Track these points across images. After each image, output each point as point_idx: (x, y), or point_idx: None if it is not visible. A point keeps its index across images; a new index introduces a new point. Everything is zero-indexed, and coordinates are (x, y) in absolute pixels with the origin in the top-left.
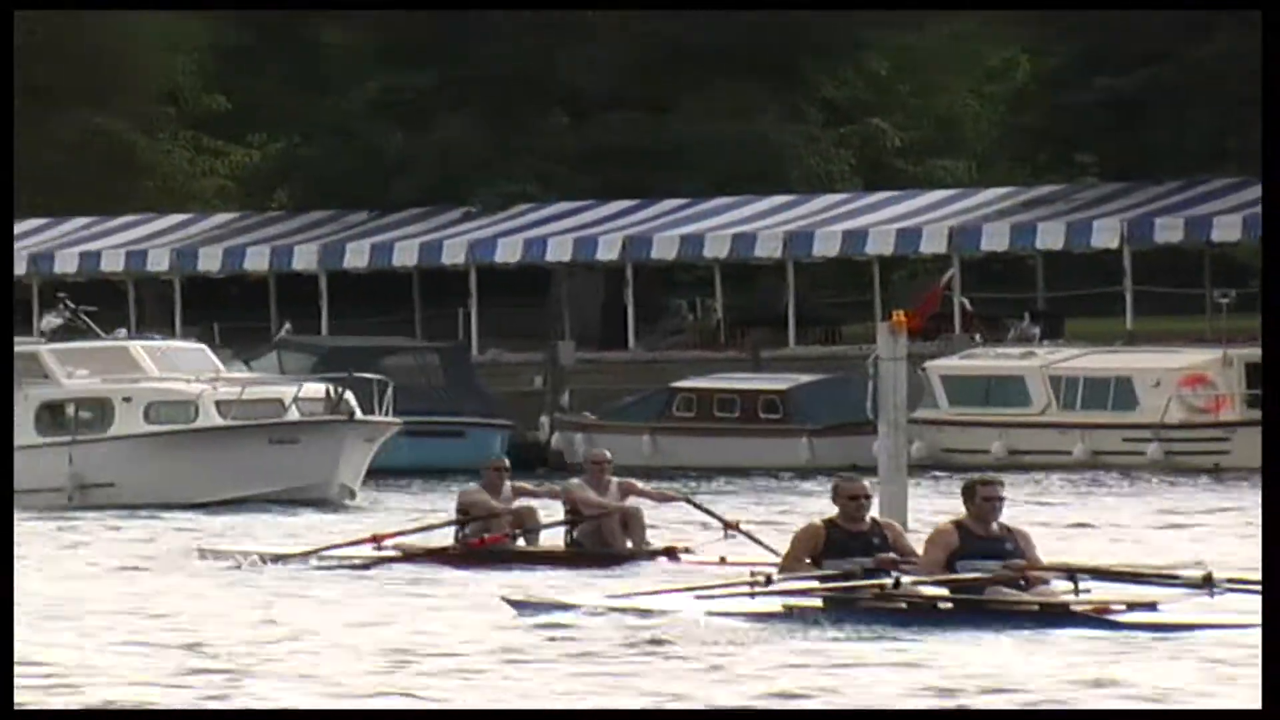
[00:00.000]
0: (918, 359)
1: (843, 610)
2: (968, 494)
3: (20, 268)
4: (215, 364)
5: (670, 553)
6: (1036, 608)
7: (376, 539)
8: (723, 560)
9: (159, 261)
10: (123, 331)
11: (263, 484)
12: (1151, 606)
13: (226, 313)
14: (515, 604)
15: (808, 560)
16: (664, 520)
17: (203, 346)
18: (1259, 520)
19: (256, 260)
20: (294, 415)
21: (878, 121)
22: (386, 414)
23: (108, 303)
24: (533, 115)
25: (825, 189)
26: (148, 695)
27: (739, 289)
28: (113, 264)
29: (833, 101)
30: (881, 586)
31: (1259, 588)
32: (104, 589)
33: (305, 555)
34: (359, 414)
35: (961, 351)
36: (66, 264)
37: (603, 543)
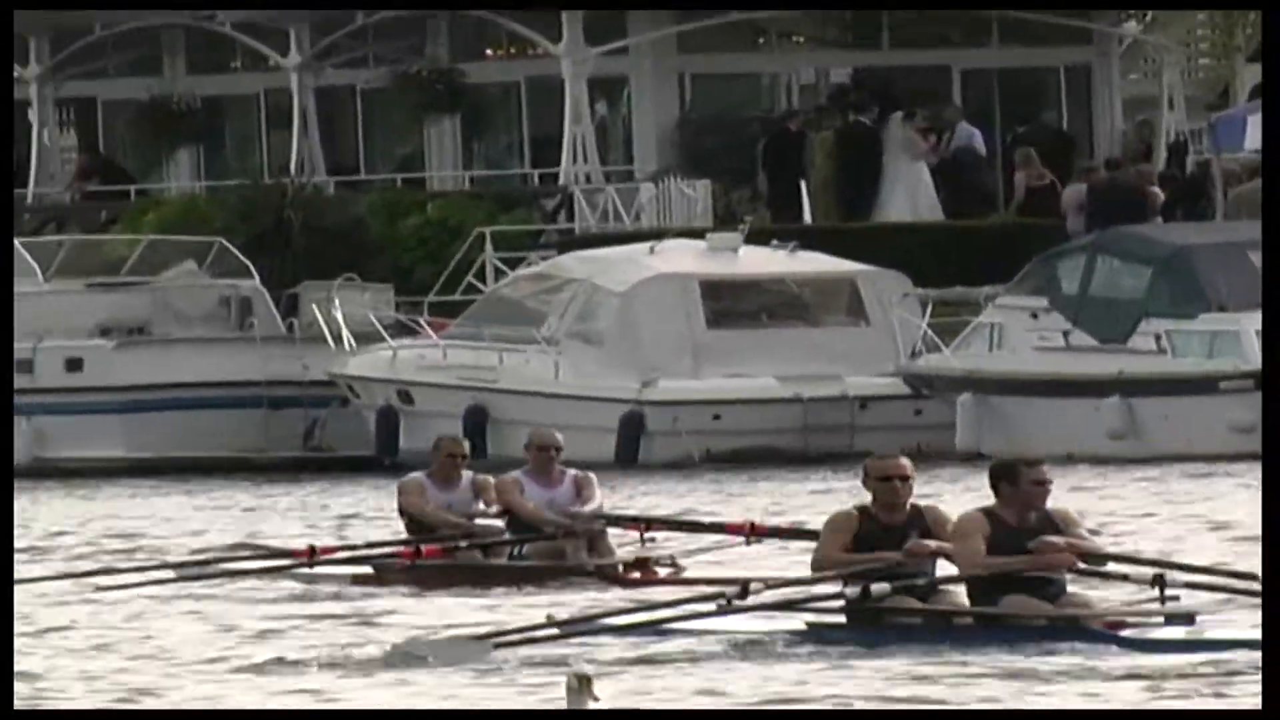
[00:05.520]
0: None
1: (867, 627)
2: (1008, 476)
3: None
4: None
5: (642, 567)
6: (1044, 622)
7: (314, 553)
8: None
9: None
10: None
11: None
12: (1189, 620)
13: None
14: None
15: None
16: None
17: None
18: None
19: None
20: None
21: None
22: None
23: None
24: None
25: None
26: None
27: None
28: None
29: None
30: (847, 597)
31: None
32: None
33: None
34: None
35: None
36: None
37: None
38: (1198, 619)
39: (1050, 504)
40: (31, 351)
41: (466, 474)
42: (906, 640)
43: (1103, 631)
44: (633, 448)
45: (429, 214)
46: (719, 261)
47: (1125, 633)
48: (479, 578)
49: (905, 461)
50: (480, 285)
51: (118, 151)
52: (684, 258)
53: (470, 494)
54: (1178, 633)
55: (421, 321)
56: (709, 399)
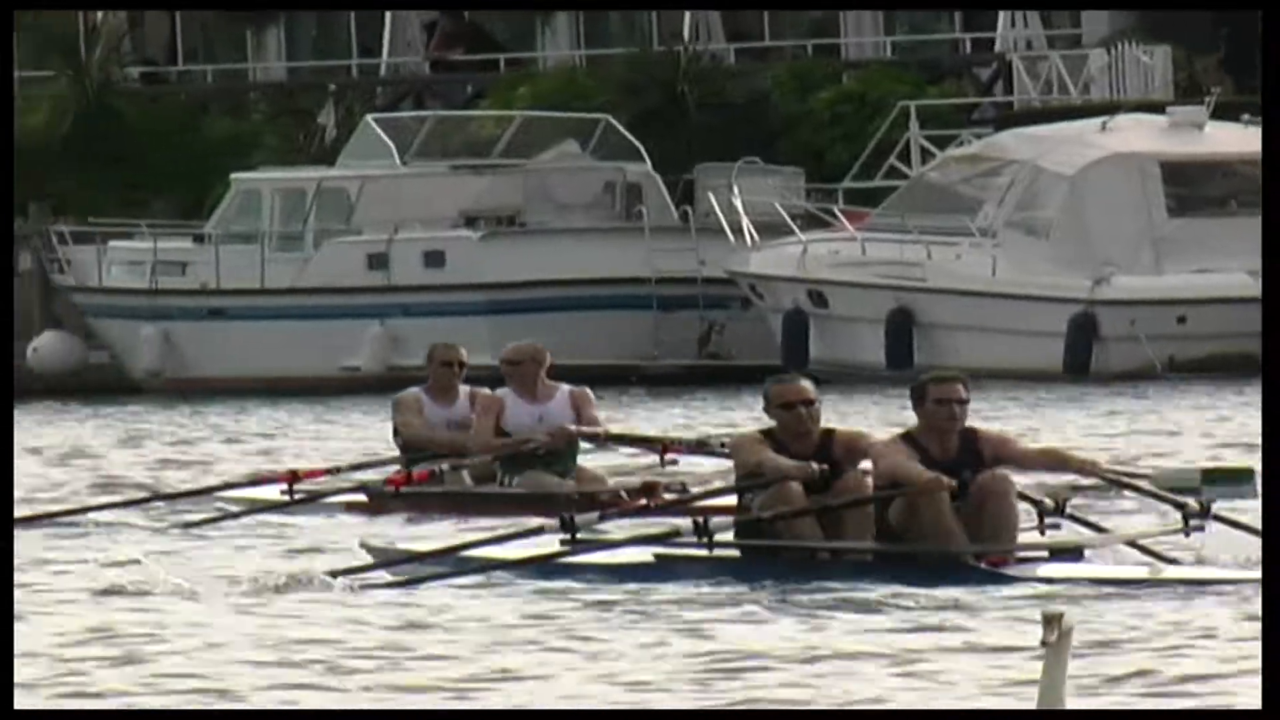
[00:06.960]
0: None
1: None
2: (914, 395)
3: None
4: None
5: (650, 493)
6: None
7: (294, 477)
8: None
9: None
10: None
11: None
12: (1077, 555)
13: None
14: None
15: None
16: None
17: None
18: None
19: None
20: None
21: None
22: None
23: None
24: None
25: None
26: None
27: None
28: None
29: None
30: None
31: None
32: None
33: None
34: None
35: None
36: None
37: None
38: (1086, 554)
39: (992, 432)
40: (386, 245)
41: (464, 387)
42: (728, 574)
43: (983, 568)
44: (1083, 355)
45: (844, 87)
46: (1182, 139)
47: (1008, 569)
48: (477, 505)
49: (807, 384)
50: (904, 168)
51: (484, 16)
52: (1141, 135)
53: (469, 409)
54: (1063, 569)
55: (836, 211)
56: (1172, 298)
